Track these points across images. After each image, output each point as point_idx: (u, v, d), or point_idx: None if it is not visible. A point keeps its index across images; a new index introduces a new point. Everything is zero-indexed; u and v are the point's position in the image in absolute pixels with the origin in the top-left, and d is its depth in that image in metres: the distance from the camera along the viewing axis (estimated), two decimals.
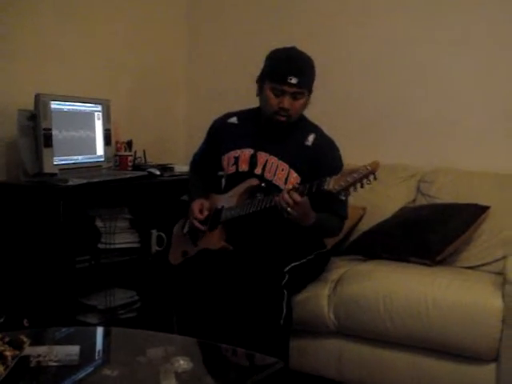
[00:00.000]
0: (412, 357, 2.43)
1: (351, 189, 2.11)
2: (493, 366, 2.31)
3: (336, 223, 2.49)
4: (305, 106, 2.47)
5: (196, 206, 2.57)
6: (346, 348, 2.56)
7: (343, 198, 2.15)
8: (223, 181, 2.65)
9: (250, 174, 2.51)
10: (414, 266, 2.65)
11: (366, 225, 2.95)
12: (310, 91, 2.45)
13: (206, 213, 2.55)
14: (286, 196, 2.21)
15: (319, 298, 2.55)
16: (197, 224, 2.54)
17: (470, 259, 2.76)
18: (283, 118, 2.44)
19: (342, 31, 3.41)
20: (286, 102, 2.40)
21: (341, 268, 2.68)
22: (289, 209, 2.22)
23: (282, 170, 2.47)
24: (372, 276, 2.56)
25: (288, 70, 2.39)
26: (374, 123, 3.35)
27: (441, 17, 3.15)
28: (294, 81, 2.37)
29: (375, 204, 2.97)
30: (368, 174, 2.08)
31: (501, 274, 2.51)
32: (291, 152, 2.48)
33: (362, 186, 2.11)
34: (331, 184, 2.10)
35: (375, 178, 2.09)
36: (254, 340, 2.02)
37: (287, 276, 2.35)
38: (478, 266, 2.74)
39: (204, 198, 2.61)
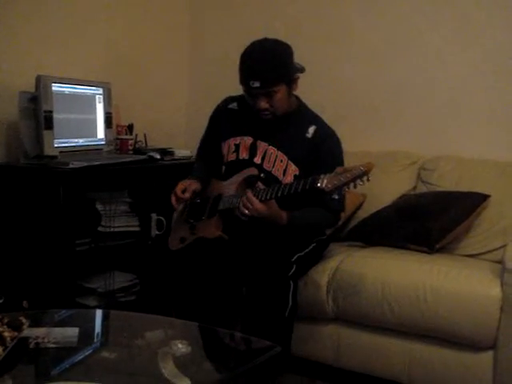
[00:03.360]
0: (409, 344, 2.44)
1: (344, 188, 2.11)
2: (490, 353, 2.32)
3: (325, 218, 2.46)
4: (287, 96, 2.41)
5: (181, 184, 2.56)
6: (344, 334, 2.57)
7: (336, 196, 2.15)
8: (223, 167, 2.63)
9: (249, 162, 2.49)
10: (413, 253, 2.65)
11: (365, 211, 2.95)
12: (286, 81, 2.38)
13: (187, 194, 2.53)
14: (245, 200, 2.24)
15: (318, 285, 2.55)
16: (173, 200, 2.53)
17: (470, 247, 2.76)
18: (268, 116, 2.42)
19: (346, 18, 3.39)
20: (261, 103, 2.37)
21: (340, 254, 2.68)
22: (246, 211, 2.25)
23: (281, 161, 2.45)
24: (371, 263, 2.56)
25: (248, 74, 2.35)
26: (375, 110, 3.33)
27: (445, 4, 3.13)
28: (256, 84, 2.32)
29: (375, 191, 2.96)
30: (362, 174, 2.07)
31: (500, 262, 2.52)
32: (291, 143, 2.46)
33: (354, 187, 2.10)
34: (324, 182, 2.10)
35: (368, 180, 2.09)
36: (256, 330, 2.03)
37: (294, 266, 2.33)
38: (478, 254, 2.74)
39: (197, 181, 2.59)
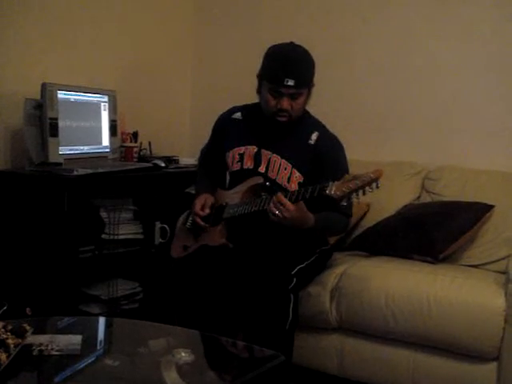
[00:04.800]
0: (413, 354, 2.44)
1: (353, 195, 2.10)
2: (494, 364, 2.31)
3: (340, 222, 2.46)
4: (305, 102, 2.45)
5: (199, 201, 2.56)
6: (348, 344, 2.56)
7: (344, 204, 2.14)
8: (227, 177, 2.64)
9: (254, 171, 2.49)
10: (417, 263, 2.64)
11: (369, 221, 2.95)
12: (309, 88, 2.43)
13: (207, 210, 2.52)
14: (276, 201, 2.20)
15: (322, 294, 2.55)
16: (198, 220, 2.53)
17: (474, 257, 2.76)
18: (284, 119, 2.42)
19: (348, 27, 3.40)
20: (285, 103, 2.37)
21: (344, 264, 2.68)
22: (277, 212, 2.20)
23: (285, 168, 2.45)
24: (375, 272, 2.56)
25: (285, 71, 2.34)
26: (380, 120, 3.34)
27: (448, 12, 3.14)
28: (291, 83, 2.33)
29: (380, 200, 2.96)
30: (371, 181, 2.06)
31: (504, 272, 2.52)
32: (294, 151, 2.46)
33: (364, 194, 2.09)
34: (333, 190, 2.09)
35: (377, 187, 2.08)
36: (256, 342, 2.02)
37: (295, 279, 2.32)
38: (482, 264, 2.73)
39: (209, 194, 2.59)
